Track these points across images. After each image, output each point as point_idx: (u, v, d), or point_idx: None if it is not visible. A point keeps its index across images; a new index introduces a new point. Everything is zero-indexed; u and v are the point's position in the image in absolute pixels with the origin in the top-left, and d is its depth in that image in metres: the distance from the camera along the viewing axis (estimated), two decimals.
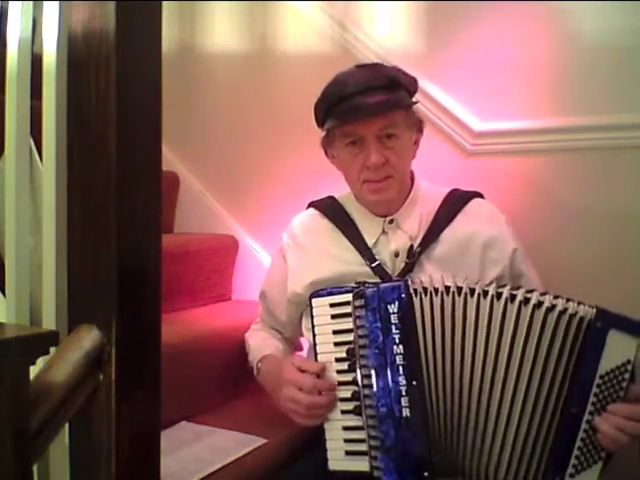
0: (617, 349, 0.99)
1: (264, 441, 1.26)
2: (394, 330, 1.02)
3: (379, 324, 1.03)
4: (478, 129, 1.50)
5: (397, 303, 1.03)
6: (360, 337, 1.07)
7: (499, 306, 1.01)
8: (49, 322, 0.81)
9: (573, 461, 0.98)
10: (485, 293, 1.02)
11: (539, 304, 1.00)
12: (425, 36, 1.58)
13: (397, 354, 1.02)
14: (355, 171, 1.20)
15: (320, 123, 1.25)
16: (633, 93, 1.33)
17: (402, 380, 1.01)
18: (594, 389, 0.99)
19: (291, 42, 1.79)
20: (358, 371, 1.07)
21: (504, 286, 1.04)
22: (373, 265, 1.19)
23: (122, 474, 0.74)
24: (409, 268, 1.19)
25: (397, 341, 1.02)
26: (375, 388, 1.03)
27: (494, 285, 1.03)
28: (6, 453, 0.65)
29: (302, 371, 1.12)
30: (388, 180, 1.19)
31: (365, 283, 1.10)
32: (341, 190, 1.33)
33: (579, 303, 1.01)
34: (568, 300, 1.02)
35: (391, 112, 1.17)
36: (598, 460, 0.99)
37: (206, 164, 2.00)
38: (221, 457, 1.18)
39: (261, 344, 1.36)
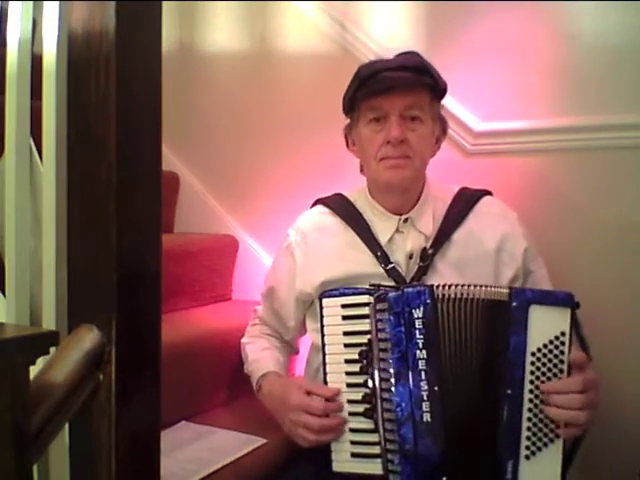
0: (547, 323, 0.99)
1: (264, 441, 1.26)
2: (418, 335, 1.02)
3: (402, 328, 1.03)
4: (478, 129, 1.50)
5: (422, 308, 1.03)
6: (380, 340, 1.05)
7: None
8: (49, 322, 0.81)
9: (525, 442, 0.98)
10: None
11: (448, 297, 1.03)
12: (425, 36, 1.58)
13: (420, 359, 1.02)
14: (374, 148, 1.19)
15: (347, 107, 1.24)
16: (633, 93, 1.33)
17: (424, 385, 1.01)
18: (528, 367, 0.98)
19: (291, 42, 1.79)
20: (376, 374, 1.05)
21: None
22: (387, 267, 1.17)
23: (122, 474, 0.74)
24: (423, 271, 1.17)
25: (420, 346, 1.02)
26: (395, 392, 1.02)
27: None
28: (6, 453, 0.65)
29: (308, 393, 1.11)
30: (405, 159, 1.17)
31: (380, 286, 1.09)
32: (343, 190, 1.33)
33: (491, 287, 1.03)
34: (470, 286, 1.03)
35: (417, 91, 1.17)
36: (554, 439, 0.98)
37: (206, 164, 2.00)
38: (221, 457, 1.18)
39: (261, 357, 1.31)
